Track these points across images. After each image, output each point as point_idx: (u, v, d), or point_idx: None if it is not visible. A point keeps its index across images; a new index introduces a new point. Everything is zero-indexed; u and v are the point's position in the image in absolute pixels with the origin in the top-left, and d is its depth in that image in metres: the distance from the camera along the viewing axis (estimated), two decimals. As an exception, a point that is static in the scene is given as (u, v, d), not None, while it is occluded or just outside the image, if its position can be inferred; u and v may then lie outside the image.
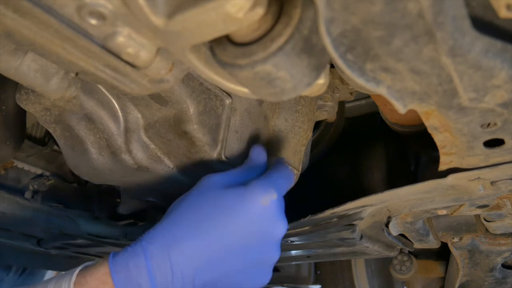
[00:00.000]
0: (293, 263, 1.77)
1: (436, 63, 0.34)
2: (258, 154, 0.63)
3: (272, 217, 0.54)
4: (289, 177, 0.62)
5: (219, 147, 0.63)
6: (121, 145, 0.65)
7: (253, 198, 0.53)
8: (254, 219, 0.53)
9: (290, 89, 0.37)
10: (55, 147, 1.09)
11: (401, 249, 1.08)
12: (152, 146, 0.66)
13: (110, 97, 0.62)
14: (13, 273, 1.46)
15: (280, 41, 0.33)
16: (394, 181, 1.04)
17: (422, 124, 0.48)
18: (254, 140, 0.70)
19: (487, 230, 0.90)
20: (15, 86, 0.64)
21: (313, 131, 0.87)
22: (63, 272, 0.55)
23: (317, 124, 1.13)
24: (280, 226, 0.55)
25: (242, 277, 0.56)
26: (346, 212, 0.74)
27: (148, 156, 0.66)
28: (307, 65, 0.35)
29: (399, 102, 0.40)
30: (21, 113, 0.81)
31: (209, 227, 0.53)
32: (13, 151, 0.83)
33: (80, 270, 0.53)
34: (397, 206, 0.78)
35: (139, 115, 0.64)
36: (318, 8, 0.30)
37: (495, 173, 0.56)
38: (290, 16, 0.33)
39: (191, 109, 0.60)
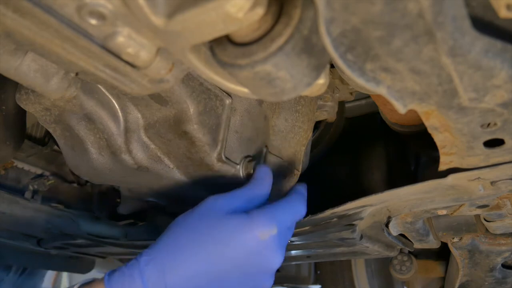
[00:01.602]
0: (293, 263, 1.77)
1: (436, 63, 0.34)
2: (264, 175, 0.62)
3: (268, 251, 0.54)
4: (300, 209, 0.60)
5: (219, 147, 0.63)
6: (121, 145, 0.65)
7: (252, 231, 0.53)
8: (250, 251, 0.54)
9: (290, 89, 0.37)
10: (55, 147, 1.09)
11: (401, 249, 1.08)
12: (152, 146, 0.66)
13: (110, 97, 0.62)
14: (13, 273, 1.46)
15: (280, 41, 0.33)
16: (394, 181, 1.04)
17: (422, 124, 0.48)
18: (254, 140, 0.70)
19: (487, 230, 0.90)
20: (15, 86, 0.64)
21: (313, 131, 0.87)
22: None
23: (317, 124, 1.13)
24: (276, 260, 0.55)
25: None
26: (346, 212, 0.74)
27: (148, 156, 0.66)
28: (307, 65, 0.35)
29: (399, 102, 0.40)
30: (21, 113, 0.81)
31: (207, 254, 0.53)
32: (13, 151, 0.83)
33: None
34: (397, 206, 0.78)
35: (139, 115, 0.64)
36: (318, 8, 0.30)
37: (495, 173, 0.56)
38: (290, 16, 0.33)
39: (191, 109, 0.60)
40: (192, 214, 0.57)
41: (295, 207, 0.60)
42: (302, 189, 0.66)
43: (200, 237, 0.54)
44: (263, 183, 0.61)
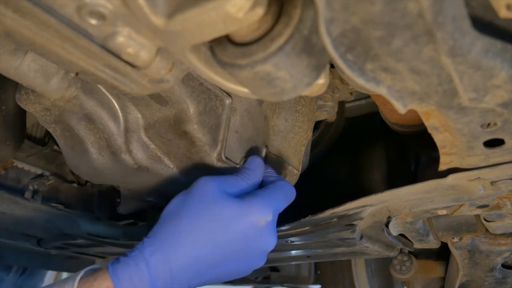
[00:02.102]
0: (293, 263, 1.77)
1: (436, 63, 0.34)
2: (255, 167, 0.64)
3: (265, 235, 0.58)
4: (290, 195, 0.63)
5: (219, 147, 0.63)
6: (121, 145, 0.65)
7: (251, 218, 0.56)
8: (248, 236, 0.57)
9: (290, 89, 0.37)
10: (55, 147, 1.09)
11: (401, 249, 1.08)
12: (152, 146, 0.66)
13: (110, 97, 0.62)
14: (14, 273, 1.46)
15: (280, 41, 0.33)
16: (394, 181, 1.04)
17: (422, 124, 0.48)
18: (254, 140, 0.70)
19: (487, 230, 0.90)
20: (15, 86, 0.64)
21: (313, 131, 0.87)
22: (62, 279, 0.55)
23: (317, 124, 1.13)
24: (271, 243, 0.59)
25: (230, 275, 0.61)
26: (346, 212, 0.74)
27: (148, 156, 0.66)
28: (307, 65, 0.35)
29: (399, 102, 0.40)
30: (21, 113, 0.81)
31: (207, 240, 0.56)
32: (13, 151, 0.83)
33: (80, 280, 0.54)
34: (397, 206, 0.78)
35: (139, 115, 0.64)
36: (318, 8, 0.30)
37: (495, 173, 0.56)
38: (290, 16, 0.33)
39: (191, 109, 0.60)
40: (188, 198, 0.59)
41: (287, 191, 0.62)
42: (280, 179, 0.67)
43: (200, 223, 0.56)
44: (254, 174, 0.63)
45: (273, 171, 0.67)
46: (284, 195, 0.61)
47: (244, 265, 0.59)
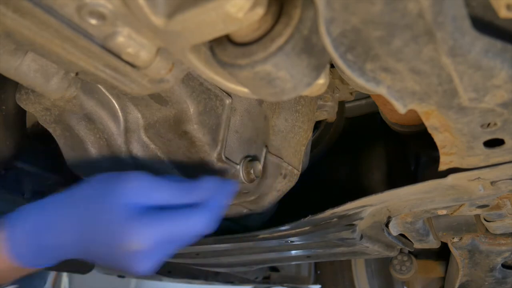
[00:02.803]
0: (293, 263, 1.77)
1: (436, 63, 0.34)
2: (205, 189, 0.55)
3: (135, 259, 0.50)
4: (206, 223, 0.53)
5: (219, 147, 0.63)
6: (121, 145, 0.65)
7: (122, 240, 0.49)
8: (118, 256, 0.51)
9: (290, 89, 0.37)
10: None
11: (401, 249, 1.08)
12: (152, 146, 0.66)
13: (110, 97, 0.62)
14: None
15: (280, 41, 0.33)
16: (394, 181, 1.04)
17: (422, 124, 0.48)
18: (254, 140, 0.70)
19: (487, 230, 0.90)
20: (15, 86, 0.64)
21: (313, 131, 0.87)
22: None
23: (317, 124, 1.13)
24: (139, 270, 0.51)
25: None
26: (346, 212, 0.74)
27: (148, 156, 0.66)
28: (307, 65, 0.35)
29: (399, 102, 0.40)
30: (21, 113, 0.81)
31: (80, 242, 0.51)
32: (13, 151, 0.83)
33: None
34: (397, 206, 0.78)
35: (139, 115, 0.64)
36: (318, 8, 0.30)
37: (495, 173, 0.56)
38: (290, 16, 0.33)
39: (191, 109, 0.60)
40: (96, 189, 0.54)
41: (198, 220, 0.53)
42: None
43: (81, 220, 0.51)
44: (194, 193, 0.54)
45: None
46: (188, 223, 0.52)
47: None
